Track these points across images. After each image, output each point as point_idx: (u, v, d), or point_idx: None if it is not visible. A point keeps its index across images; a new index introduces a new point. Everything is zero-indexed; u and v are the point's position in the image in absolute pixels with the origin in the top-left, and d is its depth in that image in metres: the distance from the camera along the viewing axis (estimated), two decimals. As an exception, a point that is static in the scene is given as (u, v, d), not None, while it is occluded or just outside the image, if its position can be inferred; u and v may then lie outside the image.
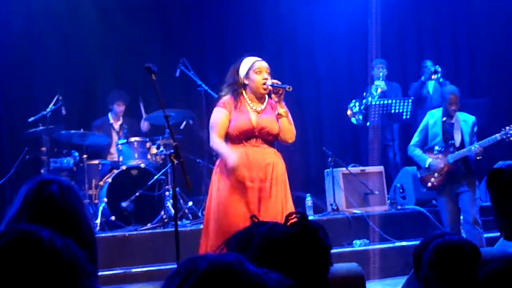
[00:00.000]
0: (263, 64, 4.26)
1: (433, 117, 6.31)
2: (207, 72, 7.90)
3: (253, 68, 4.23)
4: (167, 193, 6.74)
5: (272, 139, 4.30)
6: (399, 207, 7.23)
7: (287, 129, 4.29)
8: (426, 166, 6.24)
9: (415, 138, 6.41)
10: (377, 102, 7.60)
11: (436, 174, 6.17)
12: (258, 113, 4.26)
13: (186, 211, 6.94)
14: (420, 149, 6.32)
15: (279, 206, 4.16)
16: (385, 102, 7.61)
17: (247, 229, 1.63)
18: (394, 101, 7.64)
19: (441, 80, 7.85)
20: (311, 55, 9.23)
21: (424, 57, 8.95)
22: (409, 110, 7.60)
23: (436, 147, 6.22)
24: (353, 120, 8.04)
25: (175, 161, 3.84)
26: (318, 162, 8.58)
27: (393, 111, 7.59)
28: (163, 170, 6.72)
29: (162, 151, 7.03)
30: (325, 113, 9.28)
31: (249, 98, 4.27)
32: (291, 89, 4.14)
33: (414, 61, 9.30)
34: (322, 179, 7.49)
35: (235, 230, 1.66)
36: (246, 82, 4.25)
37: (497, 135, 5.94)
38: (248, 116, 4.21)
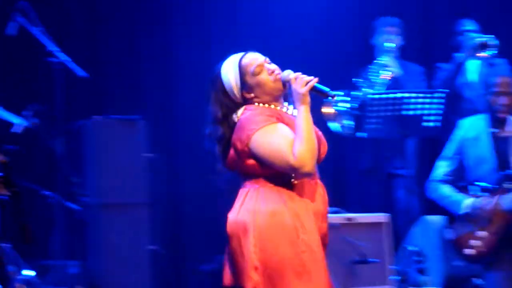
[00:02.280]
0: (256, 58, 4.27)
1: (472, 129, 6.55)
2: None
3: (248, 70, 4.20)
4: (-15, 252, 6.91)
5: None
6: (413, 288, 7.41)
7: None
8: (463, 210, 6.37)
9: (441, 168, 6.67)
10: (381, 96, 7.39)
11: (481, 233, 6.25)
12: None
13: (17, 286, 6.57)
14: (451, 186, 6.57)
15: None
16: (396, 95, 7.28)
17: None
18: (412, 94, 7.29)
19: (494, 60, 7.81)
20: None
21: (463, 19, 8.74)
22: (438, 112, 7.20)
23: (479, 185, 6.44)
24: (333, 125, 7.69)
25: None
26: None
27: (409, 111, 7.18)
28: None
29: (-23, 173, 6.74)
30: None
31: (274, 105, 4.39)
32: (335, 97, 4.41)
33: (444, 28, 9.05)
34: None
35: None
36: (249, 96, 4.21)
37: None
38: None
